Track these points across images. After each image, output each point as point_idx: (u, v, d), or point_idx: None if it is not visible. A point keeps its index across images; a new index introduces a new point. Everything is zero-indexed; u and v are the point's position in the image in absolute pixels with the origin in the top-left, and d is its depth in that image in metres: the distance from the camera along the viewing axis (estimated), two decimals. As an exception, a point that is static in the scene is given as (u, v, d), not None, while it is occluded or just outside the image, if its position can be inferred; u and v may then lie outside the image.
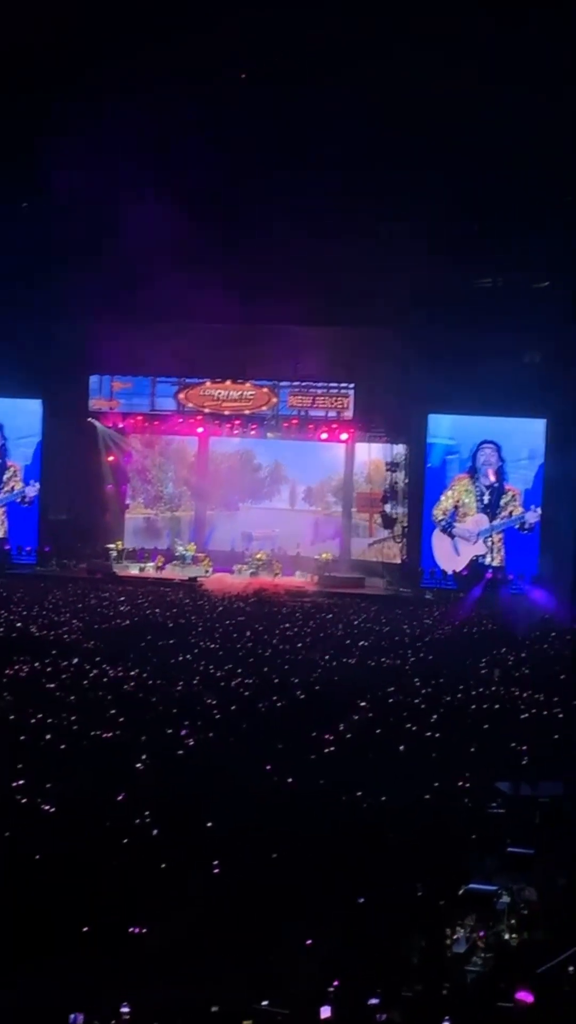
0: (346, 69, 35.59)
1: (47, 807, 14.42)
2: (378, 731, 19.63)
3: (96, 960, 10.27)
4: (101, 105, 37.08)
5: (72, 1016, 9.04)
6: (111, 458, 49.64)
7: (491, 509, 45.62)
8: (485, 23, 33.41)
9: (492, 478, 45.53)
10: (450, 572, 45.09)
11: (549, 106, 35.57)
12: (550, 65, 34.18)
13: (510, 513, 45.33)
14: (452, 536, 45.82)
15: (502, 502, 45.54)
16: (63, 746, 17.45)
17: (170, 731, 18.79)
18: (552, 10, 33.13)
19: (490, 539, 45.50)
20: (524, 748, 18.87)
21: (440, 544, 45.97)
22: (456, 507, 45.82)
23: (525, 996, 9.41)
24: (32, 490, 47.99)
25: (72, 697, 21.25)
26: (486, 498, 45.68)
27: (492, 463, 45.58)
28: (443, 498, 45.92)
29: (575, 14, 32.85)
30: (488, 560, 45.37)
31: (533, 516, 44.86)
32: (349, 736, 19.12)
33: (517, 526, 45.17)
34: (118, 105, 36.79)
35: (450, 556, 45.75)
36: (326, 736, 18.87)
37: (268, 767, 16.80)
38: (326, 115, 37.29)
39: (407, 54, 34.54)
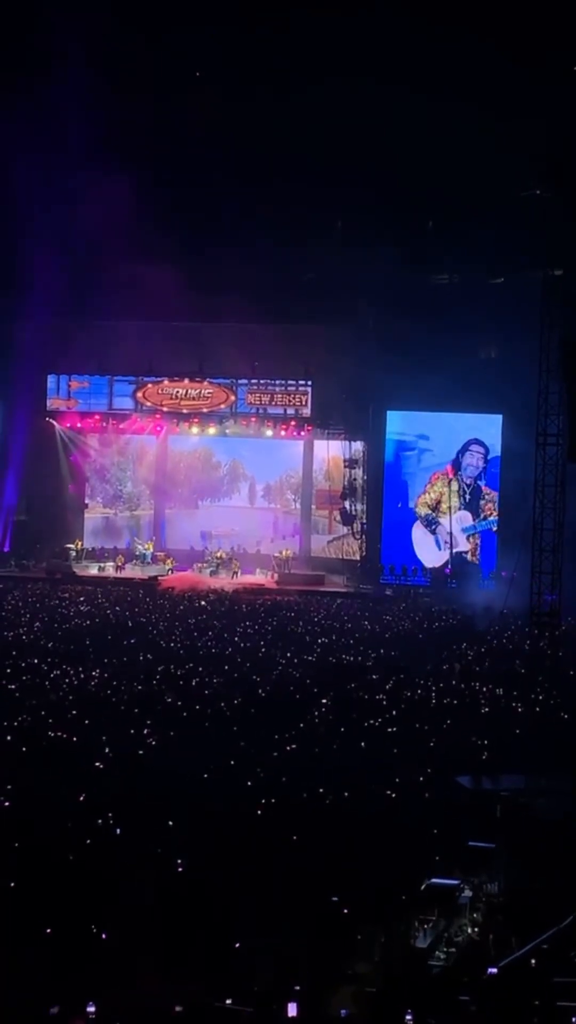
0: (299, 75, 35.82)
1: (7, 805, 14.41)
2: (340, 728, 19.70)
3: (60, 959, 10.27)
4: (61, 102, 36.98)
5: (51, 1009, 9.07)
6: (70, 458, 49.45)
7: (472, 508, 45.96)
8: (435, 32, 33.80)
9: (474, 477, 45.83)
10: (429, 566, 45.23)
11: (502, 104, 35.79)
12: (502, 65, 34.45)
13: (488, 514, 45.60)
14: (434, 532, 46.02)
15: (481, 503, 45.83)
16: (24, 747, 17.41)
17: (131, 731, 18.78)
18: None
19: (471, 537, 45.76)
20: (484, 742, 18.98)
21: (422, 539, 46.10)
22: (438, 503, 46.00)
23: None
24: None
25: (33, 698, 21.20)
26: (467, 496, 45.96)
27: (478, 463, 45.84)
28: (426, 492, 46.11)
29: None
30: (468, 557, 45.65)
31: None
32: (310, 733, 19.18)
33: (494, 529, 45.45)
34: (78, 102, 36.70)
35: (431, 550, 45.93)
36: (288, 734, 18.92)
37: (230, 765, 16.84)
38: (287, 116, 37.36)
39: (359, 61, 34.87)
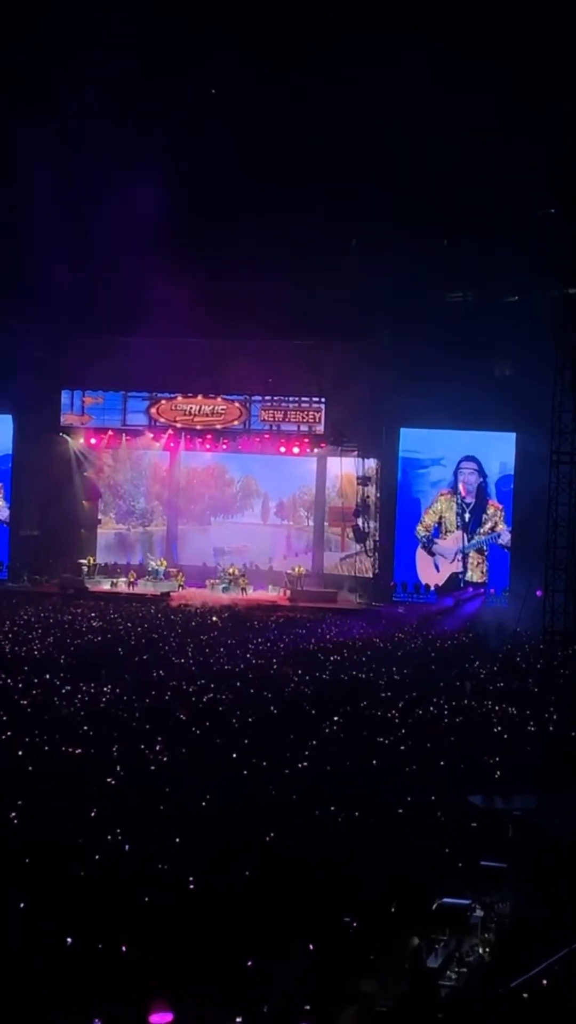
0: (314, 95, 35.99)
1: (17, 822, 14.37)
2: (352, 745, 19.65)
3: (68, 976, 10.22)
4: (79, 119, 37.20)
5: None
6: (83, 473, 49.52)
7: (471, 526, 45.71)
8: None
9: (473, 494, 45.65)
10: (432, 587, 45.04)
11: (519, 120, 35.84)
12: (517, 83, 34.53)
13: (492, 528, 45.37)
14: (432, 554, 45.89)
15: (483, 517, 45.61)
16: (35, 762, 17.38)
17: (142, 747, 18.74)
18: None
19: (466, 556, 45.56)
20: (496, 761, 18.91)
21: (422, 560, 46.05)
22: (439, 523, 45.91)
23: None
24: (2, 507, 47.97)
25: (44, 713, 21.19)
26: (467, 515, 45.77)
27: (472, 480, 45.69)
28: (425, 515, 46.00)
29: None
30: (469, 576, 45.40)
31: (507, 535, 44.99)
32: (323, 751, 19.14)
33: (499, 543, 45.22)
34: (96, 119, 36.91)
35: (431, 572, 45.80)
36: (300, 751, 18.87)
37: (241, 782, 16.79)
38: (302, 136, 37.47)
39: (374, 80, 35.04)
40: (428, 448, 46.22)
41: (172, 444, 49.14)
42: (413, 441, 46.24)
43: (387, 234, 40.28)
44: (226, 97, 37.68)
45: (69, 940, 10.85)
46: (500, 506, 45.39)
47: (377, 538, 46.31)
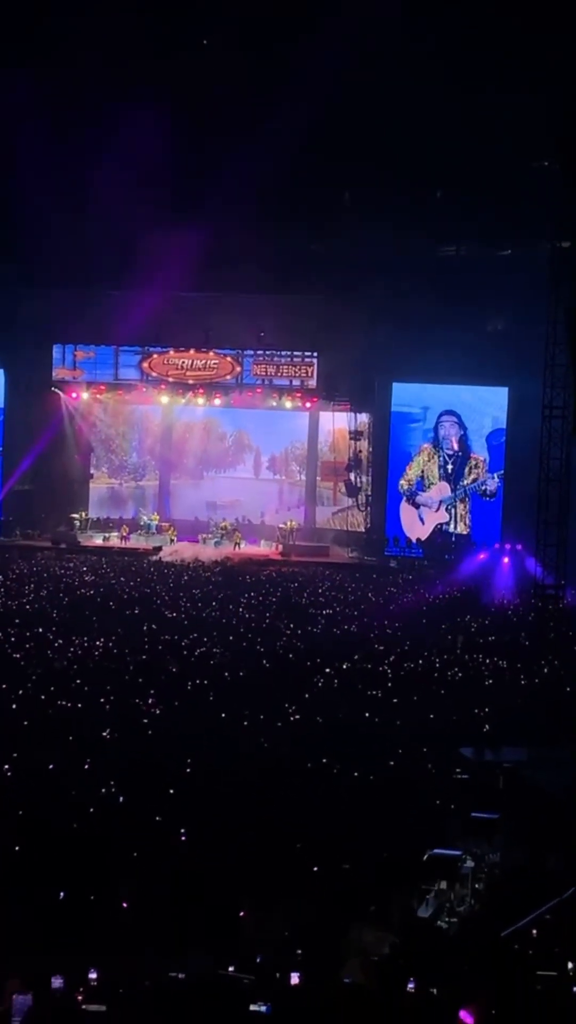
0: (305, 43, 35.63)
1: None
2: (344, 698, 19.75)
3: (62, 927, 10.30)
4: (62, 75, 36.90)
5: (52, 979, 9.07)
6: (75, 428, 49.35)
7: (454, 478, 45.64)
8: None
9: (455, 447, 45.58)
10: (414, 540, 45.10)
11: (513, 71, 35.58)
12: (510, 30, 34.26)
13: (474, 479, 45.31)
14: (416, 505, 45.87)
15: (466, 470, 45.55)
16: (28, 715, 17.46)
17: (135, 700, 18.83)
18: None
19: (453, 506, 45.54)
20: (487, 713, 19.03)
21: (406, 513, 46.05)
22: (422, 477, 45.87)
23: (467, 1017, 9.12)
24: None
25: (37, 667, 21.26)
26: (449, 467, 45.69)
27: (453, 433, 45.62)
28: (408, 469, 45.95)
29: None
30: (452, 527, 45.40)
31: (493, 483, 44.92)
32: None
33: (480, 492, 45.14)
34: (76, 76, 36.62)
35: (415, 524, 45.84)
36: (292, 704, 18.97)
37: (233, 735, 16.88)
38: (294, 86, 37.11)
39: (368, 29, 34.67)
40: (420, 402, 46.12)
41: (165, 399, 48.70)
42: (405, 395, 46.13)
43: (380, 187, 40.03)
44: (219, 48, 37.31)
45: (62, 894, 10.93)
46: (481, 458, 45.33)
47: (369, 492, 46.31)
